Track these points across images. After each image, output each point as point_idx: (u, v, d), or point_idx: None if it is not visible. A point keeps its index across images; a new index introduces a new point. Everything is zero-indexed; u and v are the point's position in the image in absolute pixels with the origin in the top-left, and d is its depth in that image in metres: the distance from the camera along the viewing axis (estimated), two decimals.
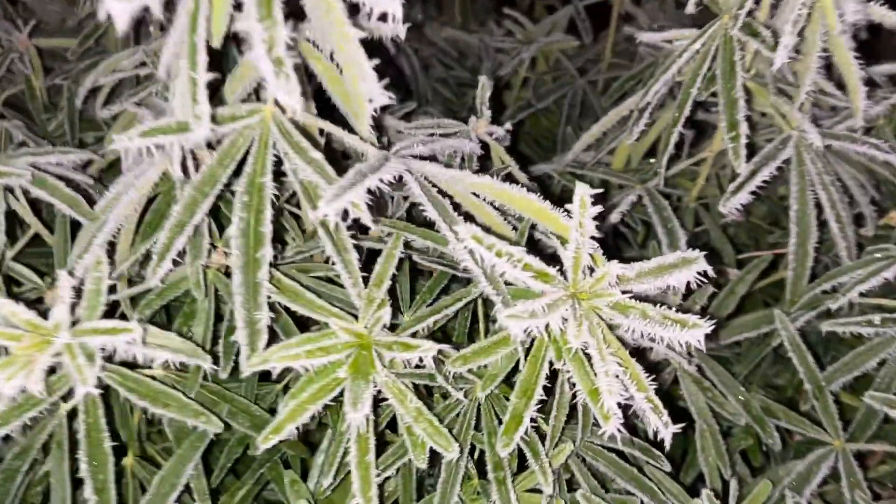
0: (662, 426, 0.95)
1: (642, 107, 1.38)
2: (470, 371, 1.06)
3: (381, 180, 0.94)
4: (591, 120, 1.74)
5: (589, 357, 0.93)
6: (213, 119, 0.92)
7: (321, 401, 0.96)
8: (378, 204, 1.24)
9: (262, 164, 0.94)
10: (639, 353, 1.35)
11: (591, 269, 0.97)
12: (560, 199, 1.79)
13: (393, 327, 1.04)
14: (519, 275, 0.91)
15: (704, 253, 1.00)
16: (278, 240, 1.14)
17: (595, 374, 0.92)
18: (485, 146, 1.32)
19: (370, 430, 0.97)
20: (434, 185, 1.07)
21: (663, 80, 1.33)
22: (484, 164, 1.35)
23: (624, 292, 0.97)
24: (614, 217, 1.40)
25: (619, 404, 0.90)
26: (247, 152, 0.95)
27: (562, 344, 0.95)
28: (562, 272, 0.97)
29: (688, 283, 0.98)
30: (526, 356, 0.99)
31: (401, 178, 1.00)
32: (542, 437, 1.06)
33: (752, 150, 1.30)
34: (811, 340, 1.43)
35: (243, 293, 0.94)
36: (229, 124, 0.93)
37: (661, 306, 0.96)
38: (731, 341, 1.41)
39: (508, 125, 1.35)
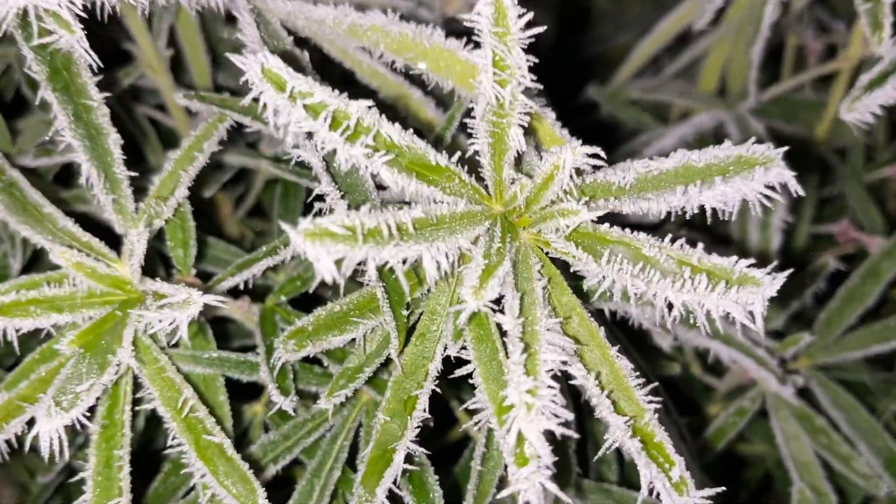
0: (666, 488, 0.45)
1: None
2: (331, 357, 0.60)
3: None
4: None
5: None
6: None
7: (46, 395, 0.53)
8: None
9: None
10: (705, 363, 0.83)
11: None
12: (608, 133, 1.28)
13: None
14: (360, 156, 0.45)
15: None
16: None
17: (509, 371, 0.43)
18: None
19: (118, 451, 0.53)
20: (292, 33, 0.62)
21: None
22: None
23: (602, 219, 0.48)
24: (665, 144, 0.88)
25: (551, 435, 0.40)
26: None
27: (455, 305, 0.48)
28: (477, 173, 0.49)
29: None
30: (410, 335, 0.51)
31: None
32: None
33: None
34: None
35: None
36: None
37: (679, 244, 0.47)
38: (873, 355, 0.85)
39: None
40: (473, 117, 0.50)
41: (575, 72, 1.51)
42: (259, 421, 0.65)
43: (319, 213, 0.77)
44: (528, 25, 0.46)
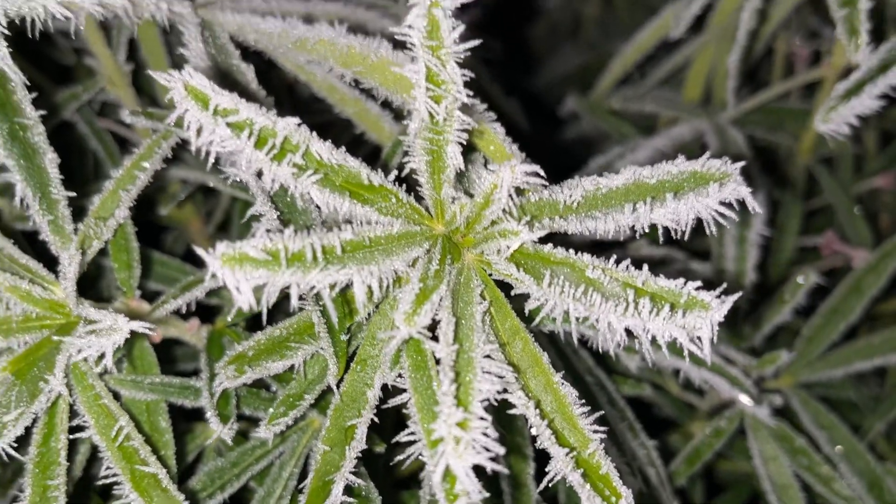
0: None
1: None
2: (280, 382, 0.58)
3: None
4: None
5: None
6: None
7: None
8: None
9: None
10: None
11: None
12: (590, 145, 1.26)
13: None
14: (287, 175, 0.43)
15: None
16: None
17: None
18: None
19: (53, 481, 0.51)
20: (244, 47, 0.60)
21: None
22: None
23: (548, 238, 0.46)
24: (640, 156, 0.86)
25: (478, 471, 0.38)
26: None
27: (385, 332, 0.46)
28: (415, 192, 0.47)
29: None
30: (351, 360, 0.49)
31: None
32: None
33: None
34: None
35: None
36: None
37: (625, 265, 0.44)
38: (856, 372, 0.82)
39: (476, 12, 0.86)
40: None
41: (563, 79, 1.49)
42: (213, 445, 0.63)
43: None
44: (463, 38, 0.44)
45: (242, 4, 0.65)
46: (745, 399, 0.70)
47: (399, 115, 0.65)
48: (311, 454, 0.58)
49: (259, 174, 0.47)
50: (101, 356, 0.47)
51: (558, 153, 1.21)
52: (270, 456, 0.58)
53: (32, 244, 0.62)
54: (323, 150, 0.44)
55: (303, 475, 0.58)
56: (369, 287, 0.42)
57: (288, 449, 0.58)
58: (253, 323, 0.64)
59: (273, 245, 0.40)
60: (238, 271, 0.38)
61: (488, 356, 0.43)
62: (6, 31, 0.47)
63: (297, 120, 0.43)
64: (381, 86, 0.56)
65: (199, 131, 0.42)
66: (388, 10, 0.78)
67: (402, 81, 0.55)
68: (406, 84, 0.56)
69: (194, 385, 0.55)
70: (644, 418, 0.74)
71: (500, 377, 0.42)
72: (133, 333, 0.52)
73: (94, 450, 0.60)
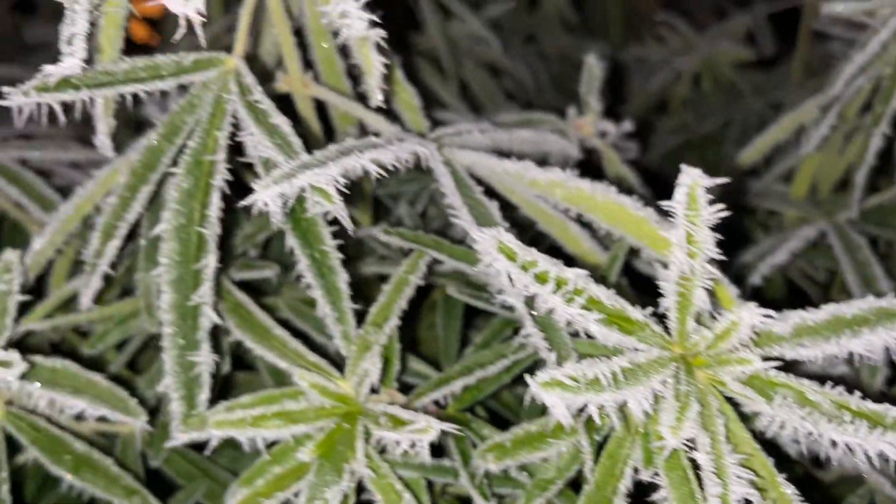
0: None
1: (827, 103, 0.96)
2: (523, 470, 0.69)
3: (384, 165, 0.62)
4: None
5: (697, 466, 0.54)
6: (155, 72, 0.65)
7: (282, 492, 0.64)
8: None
9: (213, 136, 0.65)
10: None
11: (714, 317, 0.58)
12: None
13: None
14: (577, 314, 0.55)
15: None
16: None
17: (704, 499, 0.52)
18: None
19: None
20: (480, 182, 0.73)
21: (859, 60, 0.91)
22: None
23: (768, 360, 0.57)
24: (778, 258, 0.97)
25: None
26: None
27: (652, 439, 0.57)
28: (661, 321, 0.59)
29: None
30: (598, 455, 0.61)
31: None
32: None
33: None
34: None
35: (174, 321, 0.65)
36: (172, 78, 0.65)
37: (834, 388, 0.56)
38: None
39: (629, 125, 0.98)
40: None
41: (664, 157, 1.61)
42: None
43: (471, 322, 0.87)
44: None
45: (466, 139, 0.78)
46: (882, 480, 0.80)
47: (594, 234, 0.77)
48: None
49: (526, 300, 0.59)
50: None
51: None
52: None
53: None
54: (601, 294, 0.55)
55: None
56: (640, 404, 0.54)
57: None
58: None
59: (576, 373, 0.51)
60: (553, 393, 0.50)
61: (734, 463, 0.54)
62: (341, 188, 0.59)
63: (583, 272, 0.55)
64: (602, 220, 0.68)
65: (510, 279, 0.55)
66: (563, 132, 0.90)
67: (621, 218, 0.67)
68: (625, 220, 0.68)
69: (449, 467, 0.67)
70: None
71: (746, 481, 0.53)
72: None
73: None
